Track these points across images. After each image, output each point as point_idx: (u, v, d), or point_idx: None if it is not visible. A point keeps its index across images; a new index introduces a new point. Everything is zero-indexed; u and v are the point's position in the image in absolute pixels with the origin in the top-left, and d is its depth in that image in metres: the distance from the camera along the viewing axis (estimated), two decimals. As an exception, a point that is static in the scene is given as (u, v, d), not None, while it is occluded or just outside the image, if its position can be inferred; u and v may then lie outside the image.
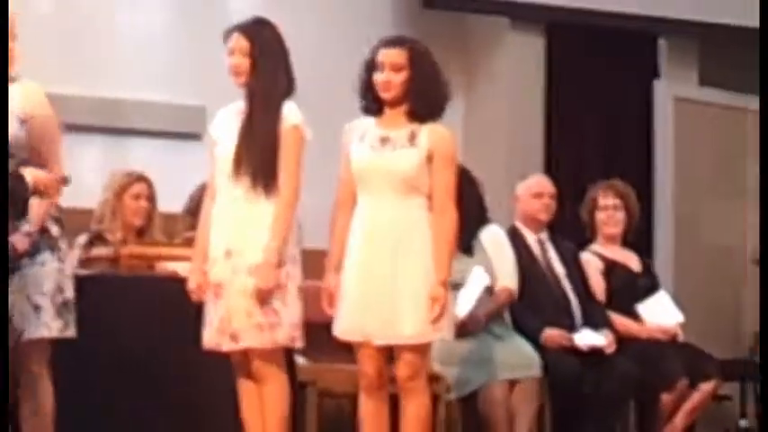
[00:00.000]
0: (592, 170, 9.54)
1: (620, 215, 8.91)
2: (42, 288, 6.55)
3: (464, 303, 8.00)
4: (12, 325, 6.43)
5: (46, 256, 6.59)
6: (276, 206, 6.74)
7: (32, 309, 6.53)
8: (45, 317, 6.54)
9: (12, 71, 6.58)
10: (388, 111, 6.87)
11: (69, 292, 6.64)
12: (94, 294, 6.88)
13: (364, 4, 10.23)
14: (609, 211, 8.90)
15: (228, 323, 6.68)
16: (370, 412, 6.89)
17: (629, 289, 8.83)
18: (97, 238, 8.08)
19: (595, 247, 8.90)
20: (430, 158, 6.78)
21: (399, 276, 6.76)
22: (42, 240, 6.58)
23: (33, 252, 6.54)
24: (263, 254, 6.72)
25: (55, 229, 6.62)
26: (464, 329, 7.92)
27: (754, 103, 11.36)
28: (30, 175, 6.37)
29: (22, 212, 6.45)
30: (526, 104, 10.76)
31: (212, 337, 6.69)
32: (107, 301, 7.11)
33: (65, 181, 6.55)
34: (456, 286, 7.53)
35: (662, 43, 11.32)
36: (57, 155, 6.64)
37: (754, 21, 11.10)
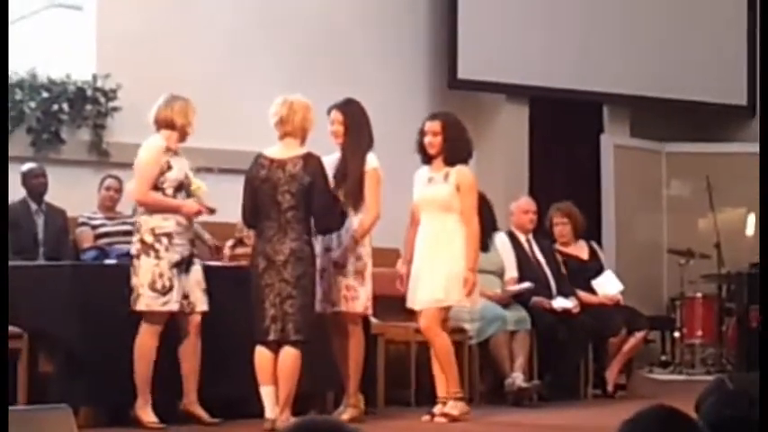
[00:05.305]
0: (561, 194, 9.42)
1: (567, 228, 8.73)
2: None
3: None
4: (188, 300, 6.38)
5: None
6: (363, 219, 6.66)
7: (202, 293, 6.49)
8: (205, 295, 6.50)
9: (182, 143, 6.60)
10: (434, 160, 6.86)
11: None
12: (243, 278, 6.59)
13: (410, 87, 10.09)
14: (559, 226, 8.74)
15: (328, 295, 6.62)
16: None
17: (580, 271, 8.65)
18: (239, 242, 8.07)
19: (556, 246, 8.72)
20: (458, 189, 6.76)
21: (436, 265, 6.71)
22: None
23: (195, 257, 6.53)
24: (348, 241, 6.59)
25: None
26: (508, 300, 8.03)
27: (666, 147, 11.36)
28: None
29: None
30: (517, 151, 10.58)
31: (316, 305, 6.52)
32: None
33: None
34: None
35: (605, 109, 11.19)
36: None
37: (666, 94, 11.12)
